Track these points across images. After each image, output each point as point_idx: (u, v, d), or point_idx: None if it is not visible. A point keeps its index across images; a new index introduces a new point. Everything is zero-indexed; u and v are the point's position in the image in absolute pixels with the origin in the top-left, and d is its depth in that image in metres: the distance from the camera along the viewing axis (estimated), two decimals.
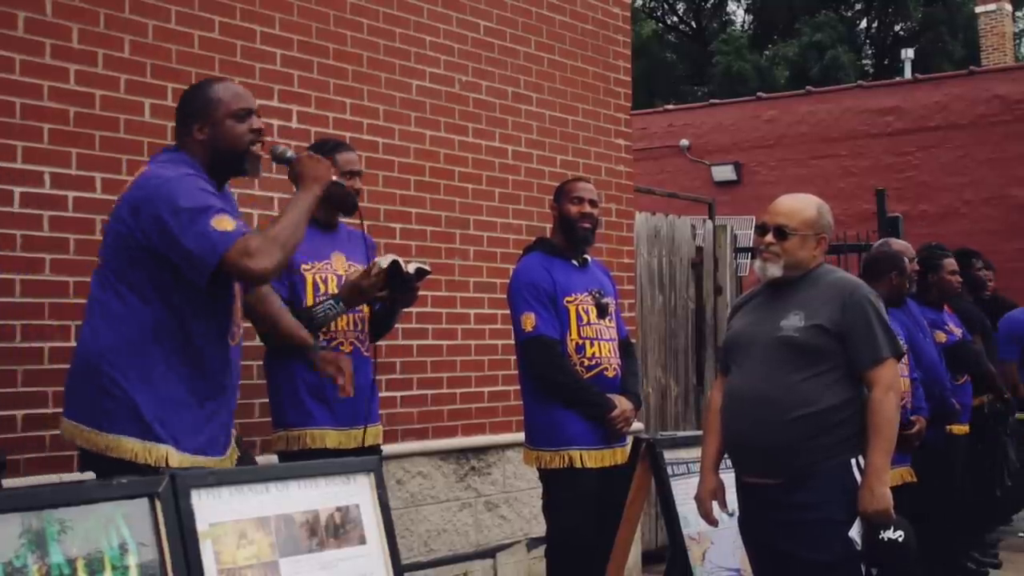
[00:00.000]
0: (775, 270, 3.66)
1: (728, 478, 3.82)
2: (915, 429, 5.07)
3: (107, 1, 4.17)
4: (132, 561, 2.50)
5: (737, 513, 3.79)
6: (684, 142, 17.25)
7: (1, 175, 3.84)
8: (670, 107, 19.28)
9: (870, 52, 31.61)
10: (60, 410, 3.18)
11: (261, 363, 4.07)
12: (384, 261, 3.74)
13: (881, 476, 3.46)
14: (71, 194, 4.01)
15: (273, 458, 3.98)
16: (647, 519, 6.73)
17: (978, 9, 19.83)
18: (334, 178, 3.28)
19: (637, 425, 5.17)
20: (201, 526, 2.65)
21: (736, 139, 16.91)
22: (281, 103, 4.74)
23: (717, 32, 31.30)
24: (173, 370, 3.04)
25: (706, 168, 16.95)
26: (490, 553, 5.58)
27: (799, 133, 16.49)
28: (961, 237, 12.25)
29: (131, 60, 4.22)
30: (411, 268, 3.81)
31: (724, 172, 16.82)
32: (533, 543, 5.67)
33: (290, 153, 3.35)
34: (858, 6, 31.14)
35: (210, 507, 2.69)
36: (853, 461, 3.51)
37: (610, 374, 4.45)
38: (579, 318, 4.41)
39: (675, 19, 34.34)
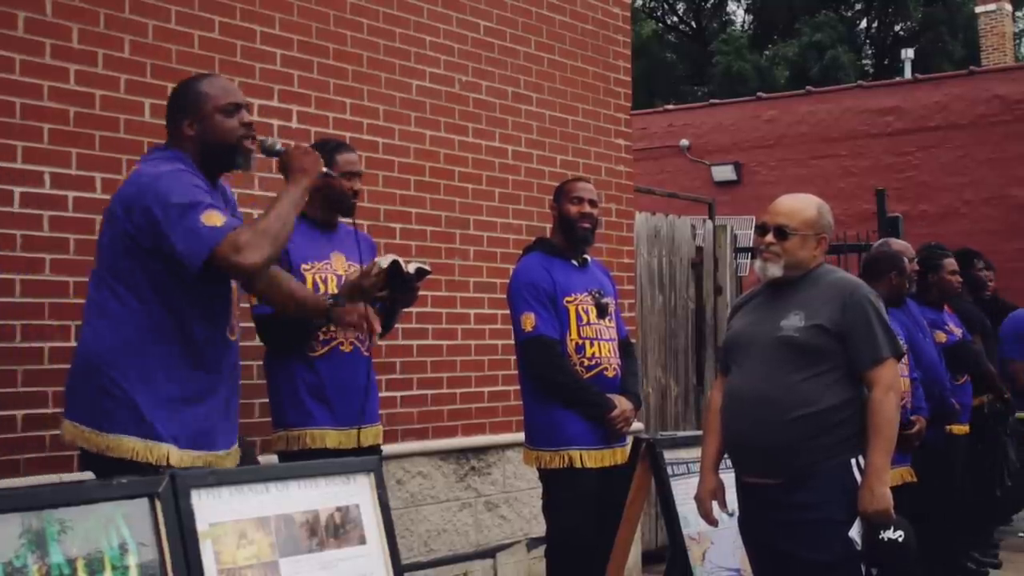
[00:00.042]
0: (775, 270, 3.66)
1: (728, 478, 3.82)
2: (915, 429, 5.07)
3: (107, 1, 4.16)
4: (132, 561, 2.50)
5: (737, 513, 3.79)
6: (684, 142, 17.24)
7: (1, 175, 3.84)
8: (670, 107, 19.27)
9: (870, 52, 31.60)
10: (60, 410, 3.19)
11: (261, 363, 4.07)
12: (384, 261, 3.74)
13: (881, 476, 3.46)
14: (71, 194, 4.01)
15: (273, 458, 3.98)
16: (647, 519, 6.72)
17: (978, 9, 19.81)
18: (323, 169, 3.28)
19: (637, 425, 5.17)
20: (201, 526, 2.65)
21: (736, 139, 16.90)
22: (281, 103, 4.74)
23: (717, 32, 31.29)
24: (173, 369, 3.04)
25: (706, 168, 16.94)
26: (490, 553, 5.58)
27: (799, 133, 16.48)
28: (961, 237, 12.25)
29: (131, 60, 4.22)
30: (411, 268, 3.80)
31: (724, 172, 16.81)
32: (533, 543, 5.66)
33: (279, 146, 3.33)
34: (858, 6, 31.13)
35: (210, 507, 2.69)
36: (853, 461, 3.51)
37: (610, 374, 4.45)
38: (579, 318, 4.41)
39: (675, 19, 34.34)
